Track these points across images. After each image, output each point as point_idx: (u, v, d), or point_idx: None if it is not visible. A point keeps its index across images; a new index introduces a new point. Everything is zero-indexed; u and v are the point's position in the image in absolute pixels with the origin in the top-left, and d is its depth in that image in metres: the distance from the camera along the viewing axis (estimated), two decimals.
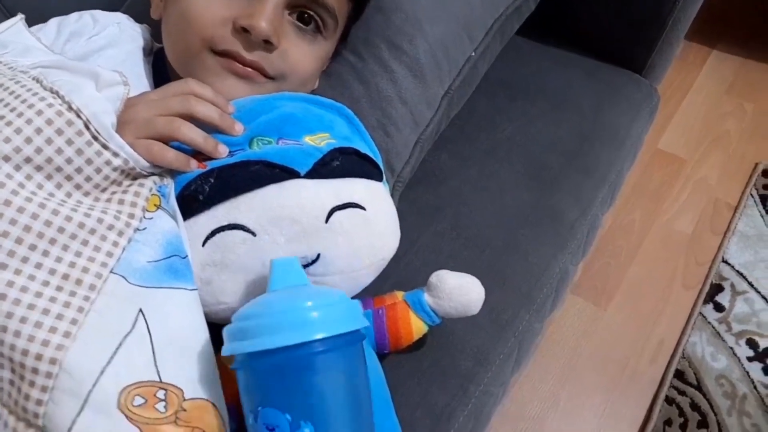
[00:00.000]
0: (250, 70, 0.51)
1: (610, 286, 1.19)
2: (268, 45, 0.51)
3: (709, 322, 1.14)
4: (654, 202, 1.32)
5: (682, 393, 1.06)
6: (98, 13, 0.57)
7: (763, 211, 1.30)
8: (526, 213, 0.67)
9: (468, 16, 0.67)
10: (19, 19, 0.53)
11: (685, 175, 1.38)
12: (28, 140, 0.38)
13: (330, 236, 0.45)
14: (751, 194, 1.33)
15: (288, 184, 0.45)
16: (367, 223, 0.48)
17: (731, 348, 1.10)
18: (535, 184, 0.69)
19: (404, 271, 0.59)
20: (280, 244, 0.44)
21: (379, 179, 0.52)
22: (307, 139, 0.48)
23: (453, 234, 0.65)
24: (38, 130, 0.39)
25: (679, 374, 1.08)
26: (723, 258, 1.23)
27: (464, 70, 0.67)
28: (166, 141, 0.45)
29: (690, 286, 1.20)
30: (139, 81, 0.55)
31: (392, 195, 0.59)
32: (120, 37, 0.56)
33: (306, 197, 0.45)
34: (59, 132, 0.39)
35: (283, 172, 0.44)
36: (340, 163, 0.47)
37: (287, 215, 0.44)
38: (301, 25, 0.53)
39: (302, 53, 0.54)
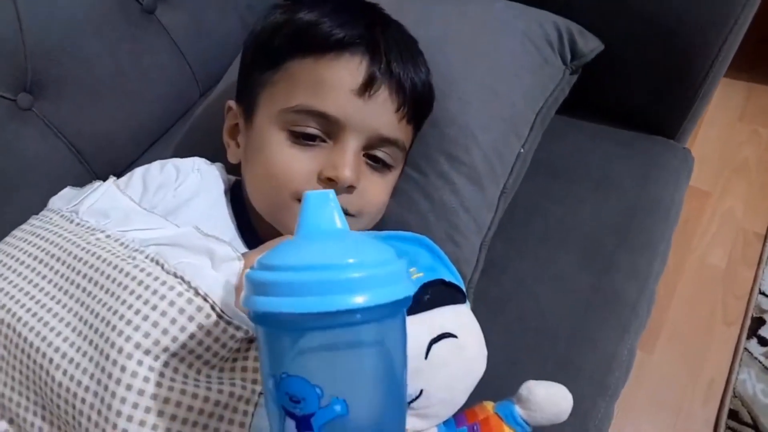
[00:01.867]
0: None
1: (653, 329, 1.21)
2: (350, 188, 0.55)
3: (755, 358, 1.16)
4: (684, 238, 1.35)
5: None
6: (178, 162, 0.61)
7: None
8: (588, 297, 0.70)
9: (513, 116, 0.71)
10: (111, 182, 0.56)
11: (712, 208, 1.41)
12: (165, 331, 0.42)
13: (430, 371, 0.48)
14: None
15: None
16: (461, 351, 0.51)
17: None
18: (591, 266, 0.72)
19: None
20: None
21: (464, 301, 0.55)
22: None
23: (521, 325, 0.68)
24: (173, 321, 0.42)
25: (733, 414, 1.09)
26: (760, 290, 1.25)
27: (516, 167, 0.71)
28: None
29: (731, 321, 1.22)
30: (226, 225, 0.58)
31: (467, 298, 0.62)
32: (202, 185, 0.59)
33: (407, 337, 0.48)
34: (191, 318, 0.42)
35: None
36: (430, 296, 0.51)
37: None
38: (373, 163, 0.58)
39: (377, 188, 0.59)
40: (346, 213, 0.55)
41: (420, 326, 0.49)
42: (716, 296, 1.26)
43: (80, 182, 0.64)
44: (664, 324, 1.22)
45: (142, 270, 0.44)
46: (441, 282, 0.53)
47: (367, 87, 0.54)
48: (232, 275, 0.46)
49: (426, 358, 0.49)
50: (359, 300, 0.30)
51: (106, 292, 0.44)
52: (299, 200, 0.53)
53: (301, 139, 0.55)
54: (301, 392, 0.31)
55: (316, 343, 0.31)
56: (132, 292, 0.43)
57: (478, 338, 0.55)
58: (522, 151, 0.71)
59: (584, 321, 0.68)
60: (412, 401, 0.49)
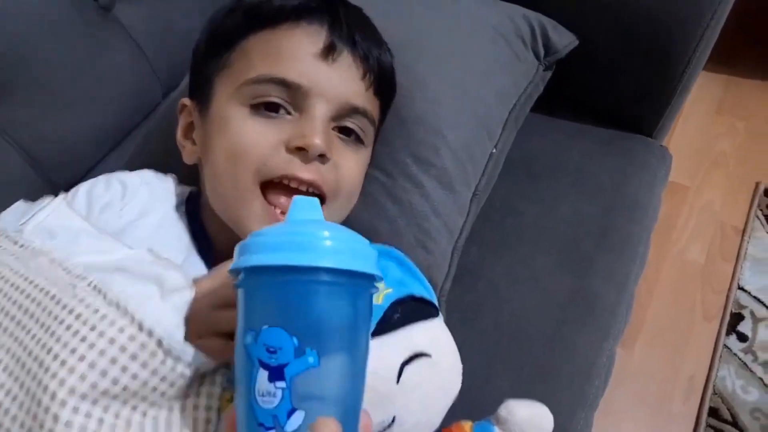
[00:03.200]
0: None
1: (632, 327, 1.19)
2: (322, 158, 0.51)
3: (734, 354, 1.15)
4: (663, 234, 1.34)
5: (719, 431, 1.06)
6: (125, 177, 0.57)
7: None
8: (565, 301, 0.68)
9: (484, 115, 0.69)
10: (62, 198, 0.52)
11: (689, 203, 1.40)
12: (104, 373, 0.38)
13: (403, 395, 0.46)
14: (757, 216, 1.35)
15: None
16: (435, 369, 0.48)
17: (761, 378, 1.12)
18: (568, 269, 0.70)
19: None
20: None
21: (436, 315, 0.52)
22: None
23: (496, 332, 0.66)
24: (113, 360, 0.38)
25: (714, 411, 1.09)
26: (739, 285, 1.25)
27: (488, 167, 0.68)
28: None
29: (710, 317, 1.22)
30: (179, 242, 0.54)
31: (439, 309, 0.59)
32: (152, 202, 0.55)
33: (375, 361, 0.44)
34: (133, 357, 0.39)
35: None
36: (400, 315, 0.48)
37: None
38: (344, 137, 0.55)
39: (351, 163, 0.55)
40: (321, 201, 0.52)
41: (391, 347, 0.46)
42: (695, 292, 1.25)
43: (36, 192, 0.60)
44: (644, 321, 1.21)
45: (81, 301, 0.40)
46: (411, 298, 0.51)
47: (329, 51, 0.51)
48: (182, 305, 0.42)
49: (398, 382, 0.46)
50: (335, 261, 0.33)
51: (42, 326, 0.40)
52: (263, 185, 0.51)
53: (264, 110, 0.51)
54: (279, 341, 0.33)
55: (298, 297, 0.34)
56: (68, 328, 0.39)
57: (452, 355, 0.52)
58: (494, 151, 0.69)
59: (562, 327, 0.66)
60: (384, 429, 0.46)
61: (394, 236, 0.61)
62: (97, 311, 0.40)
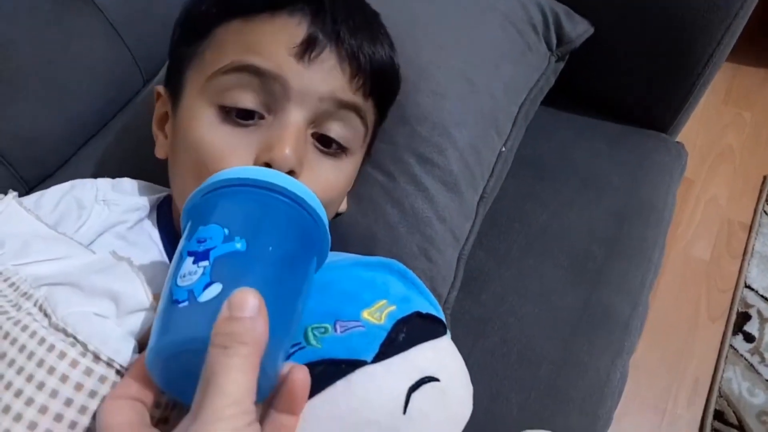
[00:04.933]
0: None
1: None
2: (291, 174, 0.44)
3: (741, 355, 1.12)
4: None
5: None
6: (79, 191, 0.50)
7: None
8: (577, 316, 0.63)
9: (493, 110, 0.63)
10: (11, 198, 0.46)
11: (695, 196, 1.36)
12: (59, 418, 0.32)
13: (411, 428, 0.41)
14: (764, 211, 1.31)
15: (355, 377, 0.40)
16: (445, 396, 0.43)
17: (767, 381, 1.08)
18: (579, 280, 0.65)
19: None
20: None
21: (444, 332, 0.47)
22: (366, 315, 0.43)
23: (504, 349, 0.61)
24: (68, 402, 0.33)
25: (719, 415, 1.05)
26: (745, 283, 1.21)
27: (496, 168, 0.63)
28: None
29: (716, 317, 1.18)
30: (145, 252, 0.48)
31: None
32: (110, 220, 0.49)
33: (378, 389, 0.40)
34: (92, 394, 0.33)
35: (348, 366, 0.40)
36: (405, 335, 0.43)
37: (363, 418, 0.39)
38: (323, 148, 0.47)
39: (329, 177, 0.48)
40: None
41: (396, 373, 0.41)
42: (700, 290, 1.21)
43: (4, 187, 0.54)
44: (648, 321, 1.17)
45: (24, 328, 0.35)
46: (417, 315, 0.45)
47: (306, 47, 0.44)
48: (139, 327, 0.37)
49: (405, 412, 0.41)
50: (273, 179, 0.36)
51: None
52: None
53: (234, 116, 0.45)
54: (209, 233, 0.34)
55: (234, 200, 0.36)
56: (11, 363, 0.33)
57: (462, 376, 0.47)
58: (504, 150, 0.64)
59: (573, 343, 0.62)
60: None
61: (394, 244, 0.55)
62: (43, 341, 0.34)
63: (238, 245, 0.33)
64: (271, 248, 0.35)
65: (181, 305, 0.31)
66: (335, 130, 0.47)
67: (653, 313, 1.19)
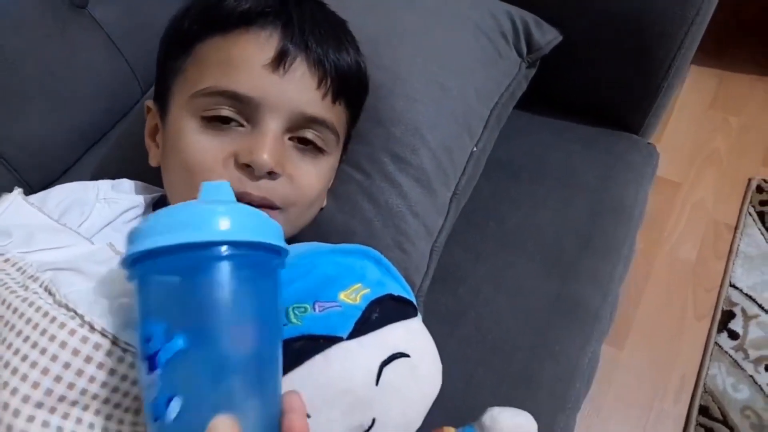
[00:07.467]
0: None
1: (623, 325, 1.19)
2: (272, 174, 0.50)
3: (725, 352, 1.14)
4: (655, 231, 1.33)
5: (709, 430, 1.05)
6: (81, 193, 0.54)
7: (763, 229, 1.31)
8: (549, 307, 0.67)
9: (465, 113, 0.67)
10: (17, 194, 0.51)
11: (682, 199, 1.39)
12: (58, 379, 0.37)
13: (383, 397, 0.45)
14: (749, 212, 1.34)
15: (332, 351, 0.44)
16: (414, 371, 0.47)
17: (751, 376, 1.11)
18: (552, 273, 0.69)
19: None
20: (337, 419, 0.43)
21: (415, 314, 0.51)
22: (342, 296, 0.47)
23: (478, 337, 0.65)
24: (66, 365, 0.37)
25: (704, 410, 1.08)
26: (730, 282, 1.24)
27: (468, 167, 0.67)
28: None
29: (702, 315, 1.20)
30: None
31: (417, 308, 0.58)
32: (109, 215, 0.53)
33: (353, 362, 0.44)
34: (88, 359, 0.38)
35: (326, 341, 0.44)
36: (378, 315, 0.47)
37: (340, 389, 0.43)
38: (301, 146, 0.52)
39: (307, 175, 0.53)
40: (271, 207, 0.51)
41: (369, 348, 0.45)
42: (686, 290, 1.24)
43: (9, 191, 0.59)
44: (635, 319, 1.20)
45: (31, 304, 0.39)
46: (389, 297, 0.49)
47: (279, 60, 0.49)
48: (130, 304, 0.41)
49: (377, 384, 0.45)
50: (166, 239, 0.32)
51: None
52: None
53: (215, 123, 0.49)
54: (150, 330, 0.32)
55: (157, 282, 0.33)
56: (19, 334, 0.38)
57: (432, 354, 0.51)
58: (475, 150, 0.68)
59: (545, 332, 0.65)
60: None
61: (370, 238, 0.59)
62: (46, 314, 0.39)
63: (180, 342, 0.31)
64: (218, 332, 0.32)
65: (157, 422, 0.31)
66: (309, 134, 0.52)
67: (641, 312, 1.22)
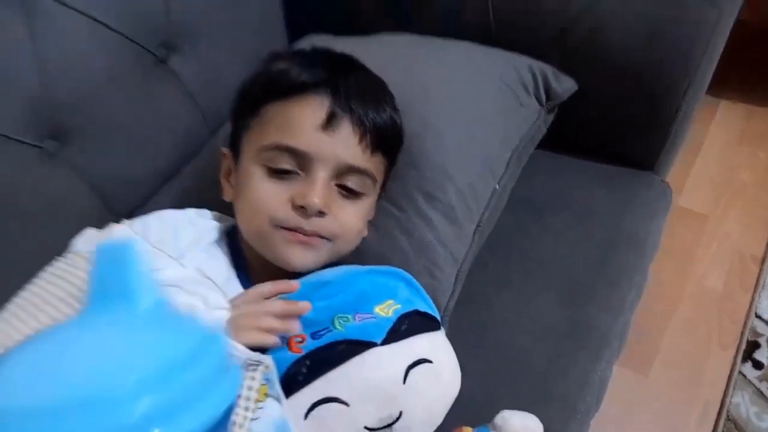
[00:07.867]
0: (309, 238, 0.62)
1: (649, 351, 1.24)
2: (321, 214, 0.62)
3: (749, 381, 1.18)
4: (682, 262, 1.37)
5: None
6: (177, 218, 0.67)
7: None
8: (563, 329, 0.74)
9: (488, 156, 0.77)
10: (125, 225, 0.64)
11: (710, 232, 1.43)
12: None
13: (408, 394, 0.54)
14: None
15: (368, 354, 0.54)
16: (436, 375, 0.57)
17: None
18: (567, 298, 0.77)
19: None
20: (371, 411, 0.53)
21: (438, 328, 0.61)
22: (377, 310, 0.58)
23: (496, 353, 0.72)
24: None
25: None
26: (756, 313, 1.27)
27: (491, 203, 0.76)
28: None
29: (727, 345, 1.24)
30: (220, 269, 0.64)
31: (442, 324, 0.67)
32: (197, 237, 0.65)
33: (384, 364, 0.54)
34: None
35: (363, 346, 0.54)
36: (407, 326, 0.57)
37: (373, 384, 0.53)
38: (344, 192, 0.64)
39: (349, 214, 0.65)
40: (322, 237, 0.63)
41: (398, 353, 0.56)
42: (713, 319, 1.28)
43: (100, 220, 0.72)
44: (661, 346, 1.25)
45: None
46: (416, 312, 0.60)
47: (329, 122, 0.61)
48: (221, 320, 0.53)
49: (404, 383, 0.55)
50: None
51: None
52: (278, 227, 0.61)
53: (277, 173, 0.62)
54: None
55: None
56: None
57: (452, 363, 0.61)
58: (497, 187, 0.77)
59: (559, 351, 0.73)
60: (393, 423, 0.54)
61: (404, 265, 0.68)
62: None
63: None
64: None
65: None
66: (352, 181, 0.64)
67: (667, 339, 1.27)
